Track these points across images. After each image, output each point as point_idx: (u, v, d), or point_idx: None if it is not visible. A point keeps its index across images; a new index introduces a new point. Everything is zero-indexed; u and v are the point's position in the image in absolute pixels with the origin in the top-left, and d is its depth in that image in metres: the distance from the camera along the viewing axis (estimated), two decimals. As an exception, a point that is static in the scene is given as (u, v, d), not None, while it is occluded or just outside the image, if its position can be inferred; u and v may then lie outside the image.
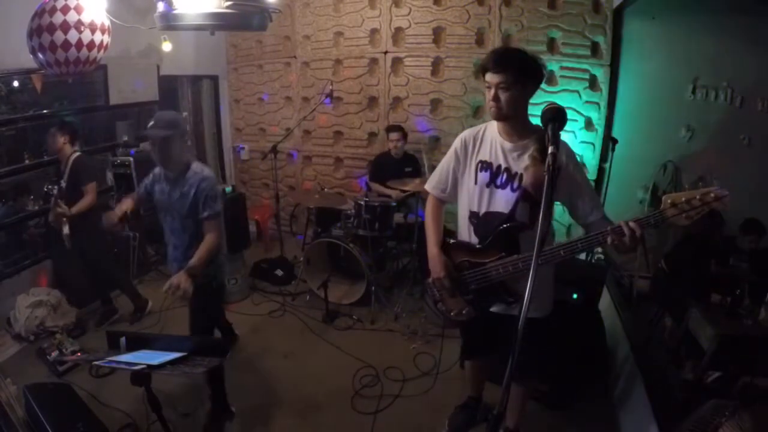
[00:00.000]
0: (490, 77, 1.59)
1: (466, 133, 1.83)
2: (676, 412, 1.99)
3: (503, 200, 1.71)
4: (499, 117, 1.64)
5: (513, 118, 1.65)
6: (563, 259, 1.52)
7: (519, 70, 1.56)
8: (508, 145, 1.70)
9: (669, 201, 1.35)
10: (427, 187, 1.99)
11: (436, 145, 4.32)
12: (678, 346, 2.48)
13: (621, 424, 2.37)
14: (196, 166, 2.20)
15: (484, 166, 1.75)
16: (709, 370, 2.12)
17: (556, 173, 1.48)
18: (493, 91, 1.59)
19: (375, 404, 2.53)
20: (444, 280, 1.79)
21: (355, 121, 4.58)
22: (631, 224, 1.38)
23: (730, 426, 1.29)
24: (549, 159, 1.18)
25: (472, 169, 1.79)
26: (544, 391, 2.47)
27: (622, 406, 2.43)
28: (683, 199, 1.32)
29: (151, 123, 2.11)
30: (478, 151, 1.78)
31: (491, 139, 1.75)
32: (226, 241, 3.48)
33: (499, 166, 1.72)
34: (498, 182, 1.72)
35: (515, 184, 1.69)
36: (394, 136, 3.90)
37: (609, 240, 1.41)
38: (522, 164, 1.66)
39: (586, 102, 3.78)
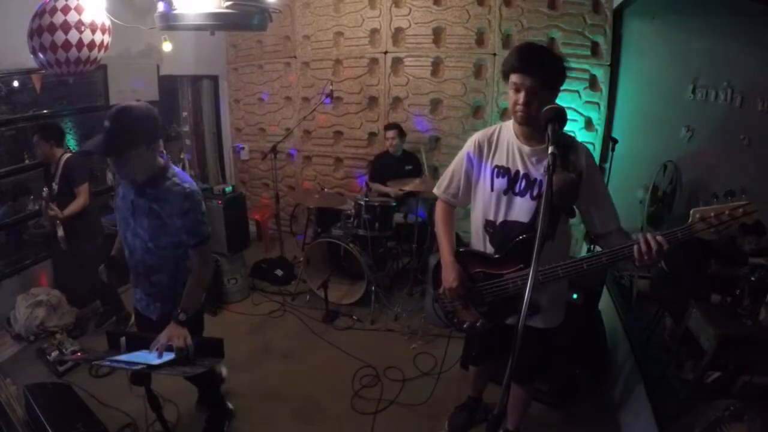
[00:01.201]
0: (520, 79, 1.48)
1: (480, 135, 1.73)
2: (676, 412, 1.99)
3: (522, 208, 1.63)
4: (526, 121, 1.55)
5: (537, 120, 1.54)
6: (586, 272, 1.46)
7: (552, 74, 1.48)
8: (526, 149, 1.62)
9: (698, 215, 1.32)
10: (436, 191, 1.88)
11: (437, 145, 4.32)
12: (678, 346, 2.48)
13: (621, 424, 2.37)
14: (172, 174, 1.71)
15: (501, 171, 1.66)
16: (709, 370, 2.12)
17: (579, 179, 1.49)
18: (523, 95, 1.49)
19: (375, 404, 2.53)
20: (458, 290, 1.69)
21: (355, 121, 4.58)
22: (659, 238, 1.33)
23: (733, 426, 1.29)
24: (549, 159, 1.19)
25: (487, 175, 1.69)
26: (544, 391, 2.47)
27: (622, 406, 2.43)
28: (712, 214, 1.30)
29: (104, 125, 1.55)
30: (494, 154, 1.69)
31: (508, 142, 1.66)
32: (226, 242, 3.54)
33: (517, 172, 1.63)
34: (516, 189, 1.64)
35: (535, 192, 1.61)
36: (390, 134, 3.92)
37: (636, 253, 1.36)
38: (541, 170, 1.57)
39: (586, 102, 3.78)
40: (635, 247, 1.36)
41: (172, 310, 1.74)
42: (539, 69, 1.47)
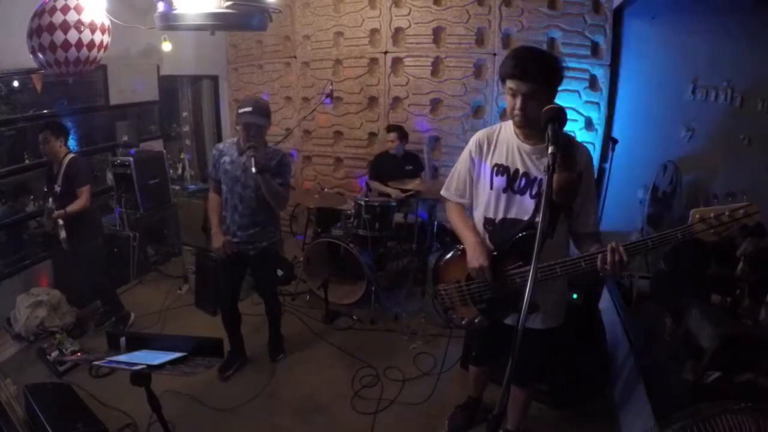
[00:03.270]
0: (516, 85, 1.49)
1: (481, 134, 1.74)
2: (676, 412, 1.99)
3: (522, 207, 1.64)
4: (524, 124, 1.57)
5: (535, 121, 1.53)
6: (584, 271, 1.45)
7: (548, 77, 1.49)
8: (526, 147, 1.62)
9: (697, 216, 1.31)
10: (445, 193, 1.87)
11: (437, 145, 4.33)
12: (678, 346, 2.48)
13: (621, 424, 2.37)
14: (271, 144, 2.55)
15: (500, 170, 1.67)
16: (709, 370, 2.12)
17: (579, 179, 1.48)
18: (520, 100, 1.51)
19: (375, 404, 2.53)
20: (487, 270, 1.60)
21: (355, 121, 4.58)
22: (621, 249, 1.34)
23: (733, 422, 1.29)
24: (549, 159, 1.18)
25: (487, 173, 1.70)
26: (544, 391, 2.47)
27: (622, 406, 2.43)
28: (712, 214, 1.29)
29: (248, 108, 2.25)
30: (493, 153, 1.69)
31: (507, 140, 1.67)
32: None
33: (517, 170, 1.64)
34: (516, 187, 1.65)
35: (534, 190, 1.61)
36: (390, 136, 3.91)
37: (599, 262, 1.39)
38: (542, 168, 1.58)
39: (586, 102, 3.78)
40: (599, 257, 1.38)
41: (268, 248, 2.58)
42: (535, 74, 1.47)
